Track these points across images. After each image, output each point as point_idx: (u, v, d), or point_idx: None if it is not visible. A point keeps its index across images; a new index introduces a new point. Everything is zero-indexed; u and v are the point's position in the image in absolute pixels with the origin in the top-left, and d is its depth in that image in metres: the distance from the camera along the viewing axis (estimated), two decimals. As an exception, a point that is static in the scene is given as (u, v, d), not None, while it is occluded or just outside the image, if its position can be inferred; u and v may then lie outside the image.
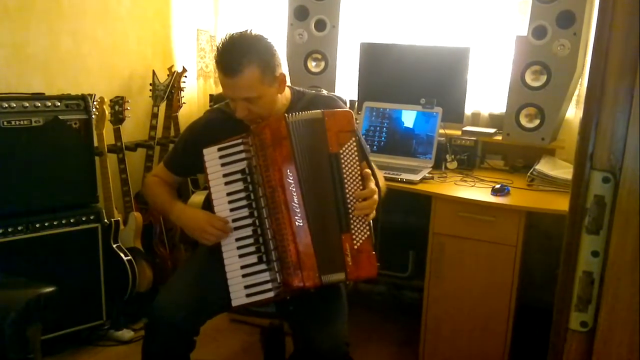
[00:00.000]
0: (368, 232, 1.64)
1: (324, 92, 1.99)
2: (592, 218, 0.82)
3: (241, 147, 1.70)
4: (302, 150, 1.65)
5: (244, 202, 1.70)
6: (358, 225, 1.64)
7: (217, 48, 1.68)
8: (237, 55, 1.63)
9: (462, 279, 2.29)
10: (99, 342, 2.62)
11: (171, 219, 1.84)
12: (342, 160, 1.63)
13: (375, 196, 1.66)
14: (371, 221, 1.67)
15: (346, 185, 1.63)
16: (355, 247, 1.63)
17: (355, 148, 1.64)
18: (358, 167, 1.64)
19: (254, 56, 1.64)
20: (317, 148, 1.65)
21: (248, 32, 1.70)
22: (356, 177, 1.64)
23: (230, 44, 1.66)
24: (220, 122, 1.85)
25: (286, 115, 1.67)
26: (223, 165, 1.71)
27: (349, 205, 1.63)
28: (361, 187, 1.64)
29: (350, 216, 1.63)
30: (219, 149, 1.71)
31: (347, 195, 1.63)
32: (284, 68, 1.87)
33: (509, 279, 2.21)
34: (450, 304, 2.33)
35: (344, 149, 1.63)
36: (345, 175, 1.63)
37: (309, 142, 1.66)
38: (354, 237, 1.63)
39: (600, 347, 0.84)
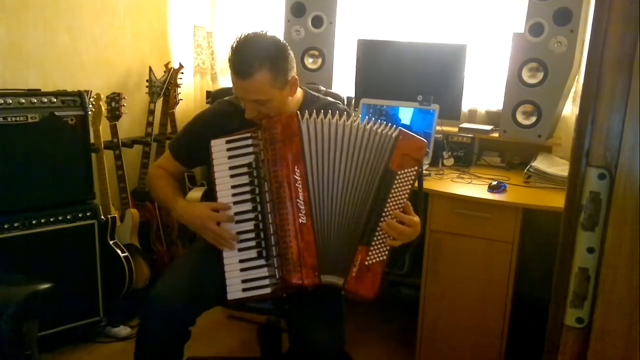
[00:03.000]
0: (385, 257, 1.63)
1: (340, 103, 1.97)
2: (587, 214, 0.82)
3: (250, 141, 1.70)
4: (324, 152, 1.65)
5: (248, 196, 1.69)
6: (379, 246, 1.62)
7: (231, 47, 1.67)
8: (249, 58, 1.62)
9: (459, 276, 2.29)
10: (96, 339, 2.62)
11: (174, 216, 1.85)
12: (395, 181, 1.62)
13: (411, 229, 1.63)
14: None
15: (387, 205, 1.62)
16: (366, 263, 1.61)
17: (412, 177, 1.64)
18: (405, 195, 1.63)
19: (266, 60, 1.63)
20: (370, 158, 1.65)
21: (263, 33, 1.69)
22: (399, 203, 1.63)
23: (244, 45, 1.65)
24: (228, 115, 1.85)
25: (298, 112, 1.67)
26: (230, 157, 1.71)
27: (380, 223, 1.62)
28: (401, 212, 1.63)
29: (376, 234, 1.62)
30: (227, 142, 1.71)
31: (383, 214, 1.62)
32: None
33: (505, 276, 2.21)
34: (447, 300, 2.33)
35: (402, 171, 1.63)
36: (390, 195, 1.62)
37: (361, 151, 1.65)
38: (369, 253, 1.62)
39: (596, 343, 0.84)
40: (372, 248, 1.62)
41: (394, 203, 1.62)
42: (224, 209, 1.69)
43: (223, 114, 1.87)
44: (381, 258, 1.62)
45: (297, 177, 1.62)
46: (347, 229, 1.65)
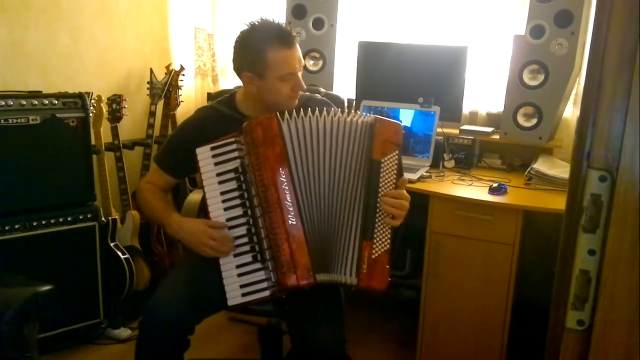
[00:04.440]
0: (388, 246, 1.64)
1: (317, 95, 1.99)
2: (588, 216, 0.82)
3: (234, 146, 1.69)
4: (307, 150, 1.65)
5: (237, 202, 1.69)
6: (381, 236, 1.63)
7: (268, 29, 1.74)
8: (286, 27, 1.75)
9: (460, 278, 2.29)
10: (96, 341, 2.62)
11: (168, 232, 1.81)
12: (382, 170, 1.63)
13: (406, 202, 1.65)
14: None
15: (379, 195, 1.63)
16: (373, 256, 1.62)
17: (395, 161, 1.64)
18: (394, 181, 1.64)
19: None
20: (354, 151, 1.65)
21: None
22: (390, 190, 1.64)
23: (272, 22, 1.77)
24: (212, 120, 1.84)
25: (277, 113, 1.67)
26: (216, 164, 1.70)
27: (377, 215, 1.63)
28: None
29: (376, 225, 1.63)
30: (212, 148, 1.70)
31: (378, 205, 1.63)
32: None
33: (506, 278, 2.21)
34: (448, 302, 2.33)
35: (385, 159, 1.63)
36: (380, 185, 1.63)
37: (343, 144, 1.65)
38: (373, 246, 1.62)
39: (596, 346, 0.84)
40: (375, 241, 1.63)
41: (385, 191, 1.63)
42: (220, 227, 1.68)
43: (206, 120, 1.86)
44: (385, 248, 1.63)
45: (283, 179, 1.62)
46: (340, 223, 1.65)
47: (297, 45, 1.75)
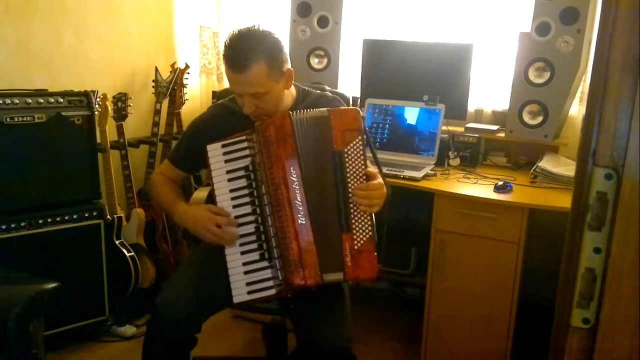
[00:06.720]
0: (370, 233, 1.63)
1: (328, 93, 1.98)
2: (594, 214, 0.81)
3: (245, 144, 1.70)
4: (306, 148, 1.66)
5: (247, 199, 1.69)
6: (360, 225, 1.63)
7: (225, 44, 1.68)
8: (245, 51, 1.63)
9: (465, 276, 2.29)
10: (102, 338, 2.63)
11: (175, 219, 1.84)
12: (346, 159, 1.63)
13: (378, 191, 1.65)
14: (373, 221, 1.65)
15: (349, 185, 1.63)
16: (356, 247, 1.62)
17: (360, 147, 1.64)
18: (363, 167, 1.64)
19: (261, 52, 1.64)
20: (322, 146, 1.65)
21: (256, 27, 1.70)
22: (360, 177, 1.64)
23: (238, 39, 1.66)
24: (224, 118, 1.85)
25: (290, 112, 1.67)
26: (227, 161, 1.71)
27: (351, 205, 1.63)
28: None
29: (352, 216, 1.62)
30: (223, 146, 1.71)
31: (350, 195, 1.63)
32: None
33: (511, 276, 2.21)
34: (453, 300, 2.33)
35: (348, 147, 1.63)
36: (348, 174, 1.63)
37: (314, 140, 1.66)
38: (354, 237, 1.62)
39: (602, 344, 0.84)
40: (354, 231, 1.63)
41: (355, 180, 1.63)
42: (224, 214, 1.69)
43: (219, 117, 1.87)
44: (367, 235, 1.63)
45: (294, 178, 1.63)
46: (332, 221, 1.65)
47: (253, 71, 1.63)
